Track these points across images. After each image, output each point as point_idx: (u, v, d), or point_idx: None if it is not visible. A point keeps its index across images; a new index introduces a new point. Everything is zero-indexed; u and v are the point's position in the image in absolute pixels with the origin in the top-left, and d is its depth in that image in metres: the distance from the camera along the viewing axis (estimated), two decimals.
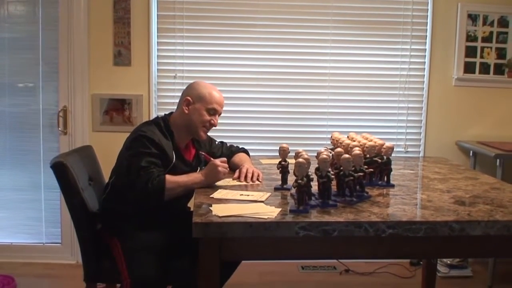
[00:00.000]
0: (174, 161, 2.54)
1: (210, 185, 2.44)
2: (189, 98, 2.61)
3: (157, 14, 3.95)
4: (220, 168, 2.44)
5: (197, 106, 2.60)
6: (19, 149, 4.02)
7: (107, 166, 2.78)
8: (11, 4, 3.91)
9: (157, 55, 3.99)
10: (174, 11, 3.96)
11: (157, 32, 3.97)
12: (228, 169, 2.51)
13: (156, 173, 2.39)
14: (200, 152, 2.72)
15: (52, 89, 3.96)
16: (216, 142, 2.96)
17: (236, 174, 2.63)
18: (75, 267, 3.83)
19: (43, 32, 3.90)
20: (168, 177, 2.41)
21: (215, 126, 2.67)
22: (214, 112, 2.62)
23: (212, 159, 2.52)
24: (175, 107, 2.72)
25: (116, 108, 3.95)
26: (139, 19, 3.91)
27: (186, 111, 2.61)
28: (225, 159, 2.54)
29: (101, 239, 2.58)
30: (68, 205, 2.59)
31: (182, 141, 2.66)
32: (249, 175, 2.58)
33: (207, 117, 2.61)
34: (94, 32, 3.89)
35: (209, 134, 2.96)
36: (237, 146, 3.00)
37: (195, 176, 2.47)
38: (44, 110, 3.98)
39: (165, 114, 2.73)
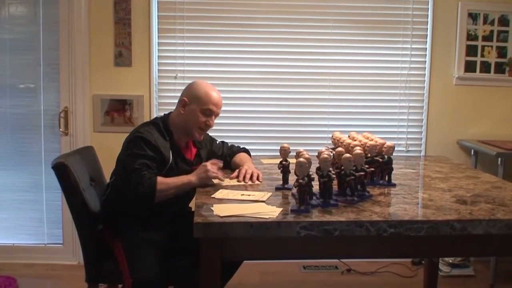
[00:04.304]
0: (170, 161, 2.54)
1: (202, 186, 2.44)
2: (185, 99, 2.62)
3: (158, 15, 3.95)
4: (209, 170, 2.43)
5: (192, 107, 2.60)
6: (20, 150, 4.03)
7: (108, 167, 2.79)
8: (12, 5, 3.92)
9: (158, 56, 3.99)
10: (174, 11, 3.96)
11: (158, 33, 3.97)
12: (219, 170, 2.50)
13: (147, 176, 2.39)
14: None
15: (53, 90, 3.96)
16: (217, 142, 2.96)
17: (235, 174, 2.63)
18: (77, 268, 3.83)
19: (44, 33, 3.91)
20: (160, 179, 2.41)
21: (211, 127, 2.67)
22: (210, 113, 2.62)
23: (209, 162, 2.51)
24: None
25: (117, 109, 3.95)
26: (139, 19, 3.91)
27: (182, 112, 2.62)
28: (216, 160, 2.54)
29: (102, 240, 2.59)
30: (70, 206, 2.60)
31: (181, 140, 2.67)
32: (248, 176, 2.58)
33: (203, 119, 2.60)
34: (94, 33, 3.90)
35: (210, 133, 2.97)
36: (238, 146, 3.00)
37: (187, 178, 2.47)
38: (45, 111, 3.98)
39: (164, 114, 2.74)
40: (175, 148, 2.60)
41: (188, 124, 2.62)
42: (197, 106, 2.59)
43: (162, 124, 2.62)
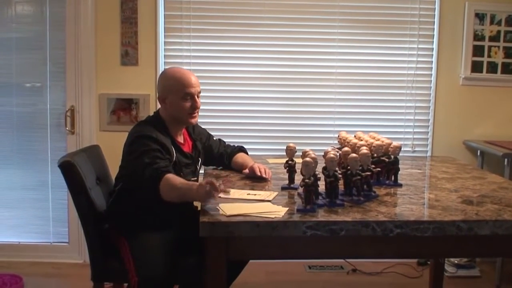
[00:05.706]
0: (175, 156, 2.52)
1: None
2: (161, 94, 2.57)
3: (164, 14, 3.96)
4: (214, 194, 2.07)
5: (171, 99, 2.53)
6: (27, 148, 4.04)
7: (114, 166, 2.78)
8: (18, 4, 3.93)
9: (164, 55, 3.99)
10: (181, 10, 3.97)
11: (164, 32, 3.98)
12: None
13: (162, 164, 2.34)
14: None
15: (59, 89, 3.97)
16: (214, 138, 2.94)
17: (256, 172, 2.61)
18: (83, 267, 3.83)
19: (50, 32, 3.92)
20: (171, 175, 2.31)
21: (198, 107, 2.57)
22: (191, 96, 2.53)
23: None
24: None
25: (123, 108, 3.96)
26: (146, 19, 3.91)
27: (165, 108, 2.57)
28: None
29: (108, 238, 2.59)
30: (76, 205, 2.60)
31: (176, 133, 2.63)
32: (263, 170, 2.61)
33: (187, 104, 2.52)
34: (101, 32, 3.91)
35: (213, 132, 2.96)
36: (233, 145, 2.97)
37: (192, 189, 2.19)
38: (52, 110, 3.99)
39: (154, 112, 2.70)
40: (175, 144, 2.58)
41: (177, 116, 2.56)
42: (175, 96, 2.52)
43: (157, 120, 2.58)
